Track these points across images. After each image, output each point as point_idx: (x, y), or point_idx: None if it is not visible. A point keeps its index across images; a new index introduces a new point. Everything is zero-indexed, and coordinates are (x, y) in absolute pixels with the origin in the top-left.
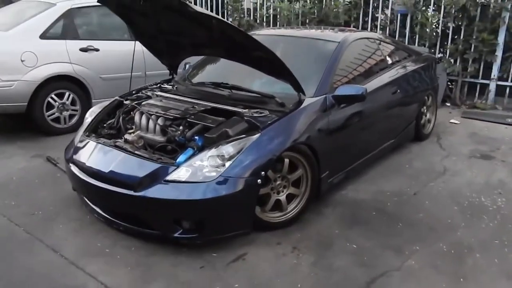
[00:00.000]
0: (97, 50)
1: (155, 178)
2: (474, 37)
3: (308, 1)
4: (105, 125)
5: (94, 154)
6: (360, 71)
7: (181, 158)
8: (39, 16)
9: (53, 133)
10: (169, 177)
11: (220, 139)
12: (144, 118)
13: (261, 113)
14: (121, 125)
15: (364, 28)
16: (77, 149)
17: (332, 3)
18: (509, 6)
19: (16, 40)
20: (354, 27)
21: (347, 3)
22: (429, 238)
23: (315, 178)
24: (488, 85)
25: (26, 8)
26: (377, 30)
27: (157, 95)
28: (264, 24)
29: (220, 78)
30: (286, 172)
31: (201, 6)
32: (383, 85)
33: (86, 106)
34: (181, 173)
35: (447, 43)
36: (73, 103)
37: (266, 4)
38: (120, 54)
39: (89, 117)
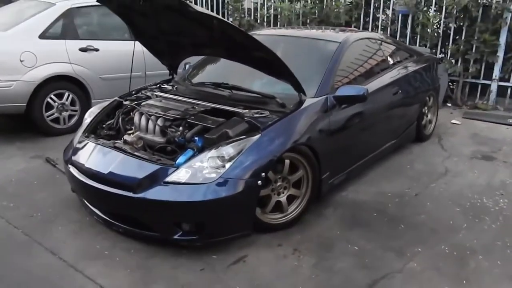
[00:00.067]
0: (96, 50)
1: (154, 179)
2: (475, 37)
3: (309, 1)
4: (104, 125)
5: (93, 155)
6: (361, 72)
7: (180, 159)
8: (39, 15)
9: (52, 134)
10: (168, 179)
11: (220, 140)
12: (143, 118)
13: (261, 113)
14: (121, 126)
15: (365, 29)
16: (76, 150)
17: (333, 3)
18: (511, 7)
19: (15, 40)
20: (355, 27)
21: (348, 3)
22: (431, 240)
23: (316, 179)
24: (489, 85)
25: (25, 8)
26: (378, 30)
27: (156, 96)
28: (265, 24)
29: (220, 78)
30: (286, 173)
31: (202, 6)
32: (384, 85)
33: (86, 106)
34: (180, 175)
35: (449, 44)
36: (72, 103)
37: (267, 4)
38: (120, 54)
39: (88, 117)
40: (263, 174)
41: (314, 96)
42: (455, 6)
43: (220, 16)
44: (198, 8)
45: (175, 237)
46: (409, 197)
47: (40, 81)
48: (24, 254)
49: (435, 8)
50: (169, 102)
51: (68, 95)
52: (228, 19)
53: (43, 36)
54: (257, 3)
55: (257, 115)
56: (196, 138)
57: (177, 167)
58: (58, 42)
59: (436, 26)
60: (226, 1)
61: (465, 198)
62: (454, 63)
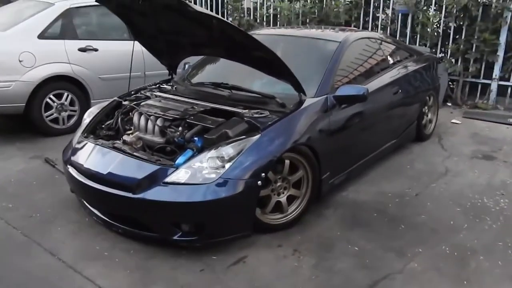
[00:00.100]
0: (96, 50)
1: (154, 180)
2: (475, 37)
3: (309, 1)
4: (103, 126)
5: (92, 155)
6: (361, 71)
7: (180, 159)
8: (37, 15)
9: (51, 134)
10: (168, 179)
11: (220, 140)
12: (143, 119)
13: (261, 113)
14: (120, 126)
15: (364, 28)
16: (75, 151)
17: (333, 2)
18: (511, 6)
19: (14, 40)
20: (354, 26)
21: (348, 2)
22: (432, 240)
23: (316, 179)
24: (489, 85)
25: (24, 8)
26: (378, 30)
27: (156, 96)
28: (264, 23)
29: (220, 78)
30: (286, 173)
31: (201, 6)
32: (385, 85)
33: (85, 106)
34: (180, 175)
35: (449, 43)
36: (71, 103)
37: (266, 3)
38: (119, 54)
39: (87, 118)
40: (263, 174)
41: (314, 96)
42: (455, 5)
43: (219, 16)
44: (197, 7)
45: (175, 237)
46: (410, 197)
47: (39, 81)
48: (24, 254)
49: (435, 8)
50: (169, 102)
51: (67, 95)
52: (227, 18)
53: (42, 36)
54: (256, 2)
55: (257, 115)
56: (195, 138)
57: (177, 167)
58: (57, 42)
59: (436, 25)
60: (225, 1)
61: (466, 198)
62: (454, 62)
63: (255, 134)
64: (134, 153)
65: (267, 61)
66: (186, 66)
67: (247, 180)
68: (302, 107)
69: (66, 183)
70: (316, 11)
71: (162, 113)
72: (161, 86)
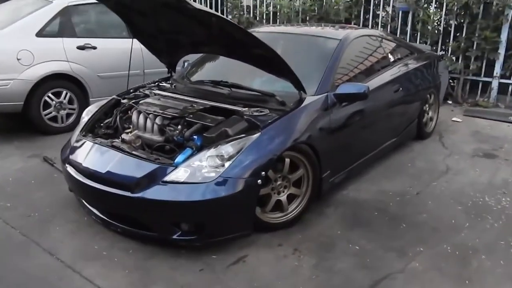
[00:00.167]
0: (94, 48)
1: (153, 179)
2: (476, 34)
3: None
4: (102, 124)
5: (90, 154)
6: (361, 69)
7: (179, 158)
8: (36, 13)
9: (50, 133)
10: (167, 178)
11: (220, 139)
12: (141, 117)
13: (261, 112)
14: (119, 125)
15: (365, 26)
16: (73, 150)
17: (333, 0)
18: None
19: (12, 38)
20: (354, 24)
21: (348, 0)
22: (433, 239)
23: (316, 178)
24: (490, 83)
25: (22, 6)
26: (378, 27)
27: (155, 94)
28: (264, 21)
29: (219, 76)
30: (286, 172)
31: (200, 4)
32: (385, 83)
33: (84, 105)
34: (179, 174)
35: (449, 41)
36: (70, 102)
37: (266, 1)
38: (118, 52)
39: (85, 116)
40: (263, 173)
41: (315, 94)
42: (455, 3)
43: (219, 14)
44: (196, 5)
45: (174, 237)
46: (410, 195)
47: (37, 79)
48: (22, 254)
49: (435, 5)
50: (168, 101)
51: (66, 93)
52: (227, 16)
53: (40, 34)
54: (256, 0)
55: (257, 114)
56: (195, 136)
57: (176, 166)
58: (56, 40)
59: (437, 23)
60: None
61: (467, 196)
62: (455, 60)
63: (255, 132)
64: (133, 152)
65: (267, 59)
66: (186, 64)
67: (247, 179)
68: (302, 105)
69: (64, 182)
70: (316, 8)
71: (161, 111)
72: (160, 84)
